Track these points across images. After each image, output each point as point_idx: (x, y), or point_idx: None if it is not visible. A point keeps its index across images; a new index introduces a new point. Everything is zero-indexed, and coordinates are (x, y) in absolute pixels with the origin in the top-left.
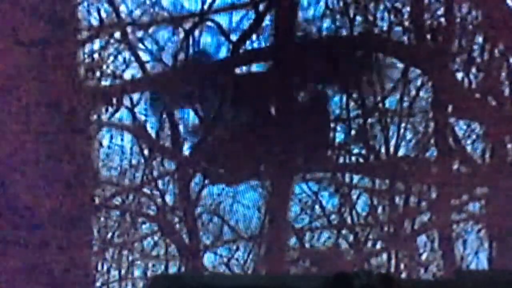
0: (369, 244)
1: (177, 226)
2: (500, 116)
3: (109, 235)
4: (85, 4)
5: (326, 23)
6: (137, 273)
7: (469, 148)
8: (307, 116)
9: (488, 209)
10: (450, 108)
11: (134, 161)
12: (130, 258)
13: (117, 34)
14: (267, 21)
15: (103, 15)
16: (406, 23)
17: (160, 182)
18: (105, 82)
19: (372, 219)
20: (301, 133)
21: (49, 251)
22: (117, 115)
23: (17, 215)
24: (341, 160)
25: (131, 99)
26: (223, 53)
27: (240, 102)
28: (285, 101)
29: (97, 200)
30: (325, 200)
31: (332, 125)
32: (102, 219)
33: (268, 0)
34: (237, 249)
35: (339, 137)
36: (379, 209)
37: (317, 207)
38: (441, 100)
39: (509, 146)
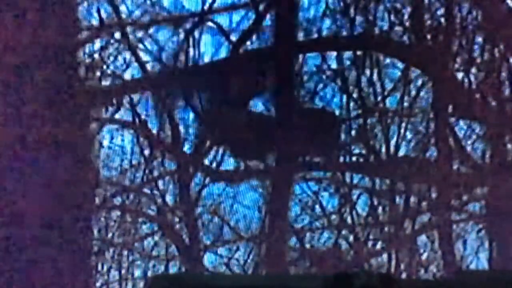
0: (369, 244)
1: (177, 226)
2: (500, 116)
3: (109, 235)
4: (85, 4)
5: (326, 23)
6: (137, 273)
7: (469, 148)
8: (309, 117)
9: (488, 209)
10: (450, 108)
11: (134, 161)
12: (130, 258)
13: (117, 34)
14: (267, 21)
15: (103, 15)
16: (406, 23)
17: (160, 182)
18: (105, 82)
19: (372, 219)
20: (302, 133)
21: (49, 251)
22: (117, 115)
23: (17, 214)
24: (341, 160)
25: (131, 99)
26: (223, 53)
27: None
28: (285, 100)
29: (97, 200)
30: (325, 200)
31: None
32: (102, 219)
33: (268, 0)
34: (237, 249)
35: (339, 134)
36: (379, 209)
37: (317, 207)
38: (441, 100)
39: (509, 146)
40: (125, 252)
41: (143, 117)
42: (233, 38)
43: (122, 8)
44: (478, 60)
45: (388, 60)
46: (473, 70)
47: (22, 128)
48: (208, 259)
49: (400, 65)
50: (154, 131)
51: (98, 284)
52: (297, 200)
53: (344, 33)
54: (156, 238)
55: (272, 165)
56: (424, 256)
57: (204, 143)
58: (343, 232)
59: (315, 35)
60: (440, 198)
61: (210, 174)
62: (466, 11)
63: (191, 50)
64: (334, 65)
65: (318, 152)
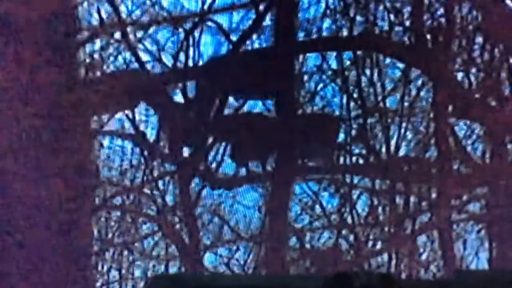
0: (369, 244)
1: (177, 226)
2: (500, 116)
3: (109, 235)
4: (85, 4)
5: (326, 23)
6: (137, 273)
7: (469, 148)
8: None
9: (488, 209)
10: (450, 108)
11: (134, 161)
12: (130, 258)
13: (117, 34)
14: (267, 21)
15: (103, 15)
16: (406, 23)
17: (160, 182)
18: None
19: (372, 219)
20: (302, 133)
21: (49, 250)
22: (117, 115)
23: (18, 215)
24: (341, 160)
25: (131, 104)
26: (223, 53)
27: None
28: (285, 101)
29: (97, 200)
30: (325, 200)
31: (335, 126)
32: (102, 219)
33: (268, 0)
34: (237, 249)
35: (339, 137)
36: (379, 209)
37: (317, 207)
38: (441, 100)
39: (509, 146)
40: (125, 252)
41: (143, 117)
42: (233, 38)
43: (122, 8)
44: (478, 60)
45: (388, 60)
46: (473, 70)
47: (22, 128)
48: (208, 259)
49: (400, 65)
50: (154, 131)
51: (98, 284)
52: (297, 200)
53: (344, 33)
54: (156, 238)
55: (272, 166)
56: (424, 256)
57: (204, 145)
58: (343, 232)
59: (315, 35)
60: (440, 198)
61: (209, 180)
62: (466, 11)
63: (191, 50)
64: (334, 65)
65: (317, 153)
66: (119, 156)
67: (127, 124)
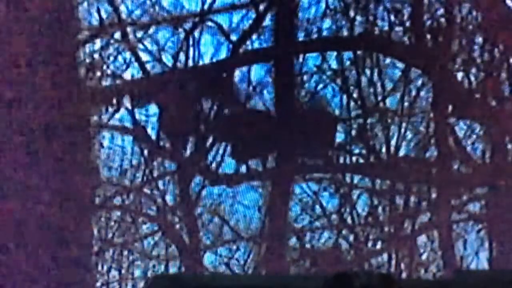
0: (369, 244)
1: (177, 226)
2: (500, 116)
3: (109, 235)
4: (85, 4)
5: (326, 23)
6: (137, 273)
7: (469, 148)
8: (308, 116)
9: (488, 209)
10: (450, 108)
11: (134, 161)
12: (130, 258)
13: (117, 34)
14: (267, 21)
15: (103, 15)
16: (406, 23)
17: (160, 182)
18: (105, 82)
19: (372, 219)
20: (302, 133)
21: (49, 250)
22: (117, 115)
23: (17, 215)
24: (341, 160)
25: (131, 100)
26: (223, 53)
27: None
28: (285, 101)
29: (97, 200)
30: (325, 200)
31: (333, 125)
32: (102, 219)
33: (268, 0)
34: (237, 249)
35: (339, 137)
36: (379, 209)
37: (317, 207)
38: (441, 100)
39: (509, 146)
40: (125, 252)
41: (143, 117)
42: (233, 38)
43: (122, 8)
44: (478, 60)
45: (388, 60)
46: (473, 70)
47: (22, 128)
48: (208, 259)
49: (400, 65)
50: (154, 131)
51: (98, 284)
52: (297, 200)
53: (344, 33)
54: (156, 238)
55: (272, 166)
56: (424, 256)
57: (204, 143)
58: (343, 232)
59: (315, 35)
60: (440, 198)
61: (210, 177)
62: (466, 11)
63: (191, 50)
64: (334, 65)
65: (317, 153)
66: (119, 156)
67: (127, 124)
